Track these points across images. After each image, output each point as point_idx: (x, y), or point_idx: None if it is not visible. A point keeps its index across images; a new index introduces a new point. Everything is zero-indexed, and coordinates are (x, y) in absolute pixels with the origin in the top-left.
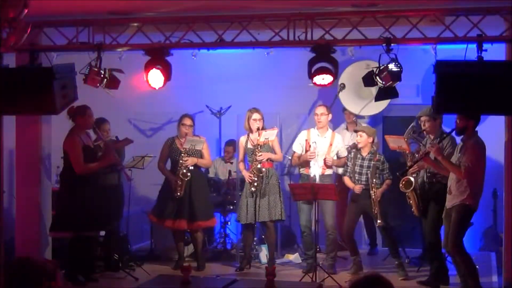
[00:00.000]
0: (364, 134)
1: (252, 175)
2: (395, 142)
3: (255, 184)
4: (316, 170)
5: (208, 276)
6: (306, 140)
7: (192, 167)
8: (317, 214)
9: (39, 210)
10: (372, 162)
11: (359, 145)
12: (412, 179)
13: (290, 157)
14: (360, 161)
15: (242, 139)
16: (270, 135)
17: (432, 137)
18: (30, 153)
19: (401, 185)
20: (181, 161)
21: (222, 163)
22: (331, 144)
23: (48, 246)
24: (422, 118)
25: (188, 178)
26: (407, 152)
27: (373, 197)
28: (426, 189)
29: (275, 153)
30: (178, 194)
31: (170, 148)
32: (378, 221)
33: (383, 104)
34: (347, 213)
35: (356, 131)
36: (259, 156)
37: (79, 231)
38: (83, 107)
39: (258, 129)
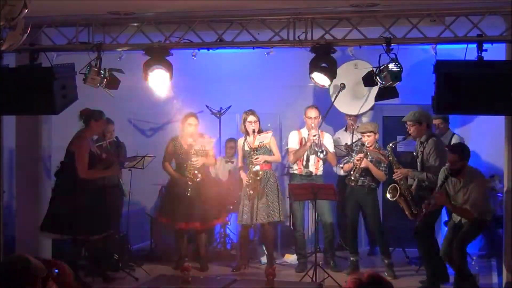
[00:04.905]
0: (371, 134)
1: (249, 179)
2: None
3: (252, 187)
4: (311, 168)
5: (208, 276)
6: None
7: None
8: (316, 214)
9: (39, 210)
10: (374, 158)
11: (369, 145)
12: (397, 186)
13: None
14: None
15: (240, 142)
16: (265, 139)
17: (420, 140)
18: (30, 153)
19: (388, 194)
20: (190, 162)
21: (222, 163)
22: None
23: (48, 246)
24: (408, 123)
25: (198, 179)
26: (386, 162)
27: (357, 161)
28: (415, 195)
29: (272, 154)
30: (188, 194)
31: (175, 148)
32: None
33: (373, 99)
34: (347, 211)
35: (363, 133)
36: (255, 159)
37: (78, 234)
38: (99, 112)
39: (253, 131)
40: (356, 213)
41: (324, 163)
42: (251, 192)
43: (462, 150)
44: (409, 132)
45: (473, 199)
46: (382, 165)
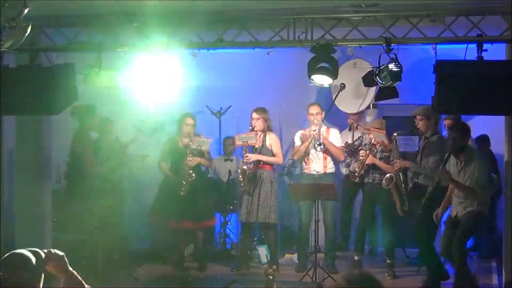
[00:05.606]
0: (377, 130)
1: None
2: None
3: (242, 184)
4: (317, 166)
5: (208, 276)
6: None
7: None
8: (317, 214)
9: (39, 210)
10: (384, 154)
11: (376, 143)
12: (394, 175)
13: (291, 158)
14: (373, 153)
15: None
16: (249, 139)
17: (426, 135)
18: (30, 153)
19: (384, 182)
20: (185, 161)
21: (222, 162)
22: (327, 138)
23: (48, 246)
24: (417, 117)
25: (192, 178)
26: (388, 146)
27: (362, 158)
28: (410, 188)
29: (271, 155)
30: (182, 194)
31: (172, 148)
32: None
33: (370, 97)
34: (361, 211)
35: (368, 130)
36: (245, 157)
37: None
38: (91, 107)
39: (253, 129)
40: (369, 212)
41: (332, 160)
42: (241, 189)
43: (463, 128)
44: (418, 126)
45: (476, 177)
46: (391, 157)
